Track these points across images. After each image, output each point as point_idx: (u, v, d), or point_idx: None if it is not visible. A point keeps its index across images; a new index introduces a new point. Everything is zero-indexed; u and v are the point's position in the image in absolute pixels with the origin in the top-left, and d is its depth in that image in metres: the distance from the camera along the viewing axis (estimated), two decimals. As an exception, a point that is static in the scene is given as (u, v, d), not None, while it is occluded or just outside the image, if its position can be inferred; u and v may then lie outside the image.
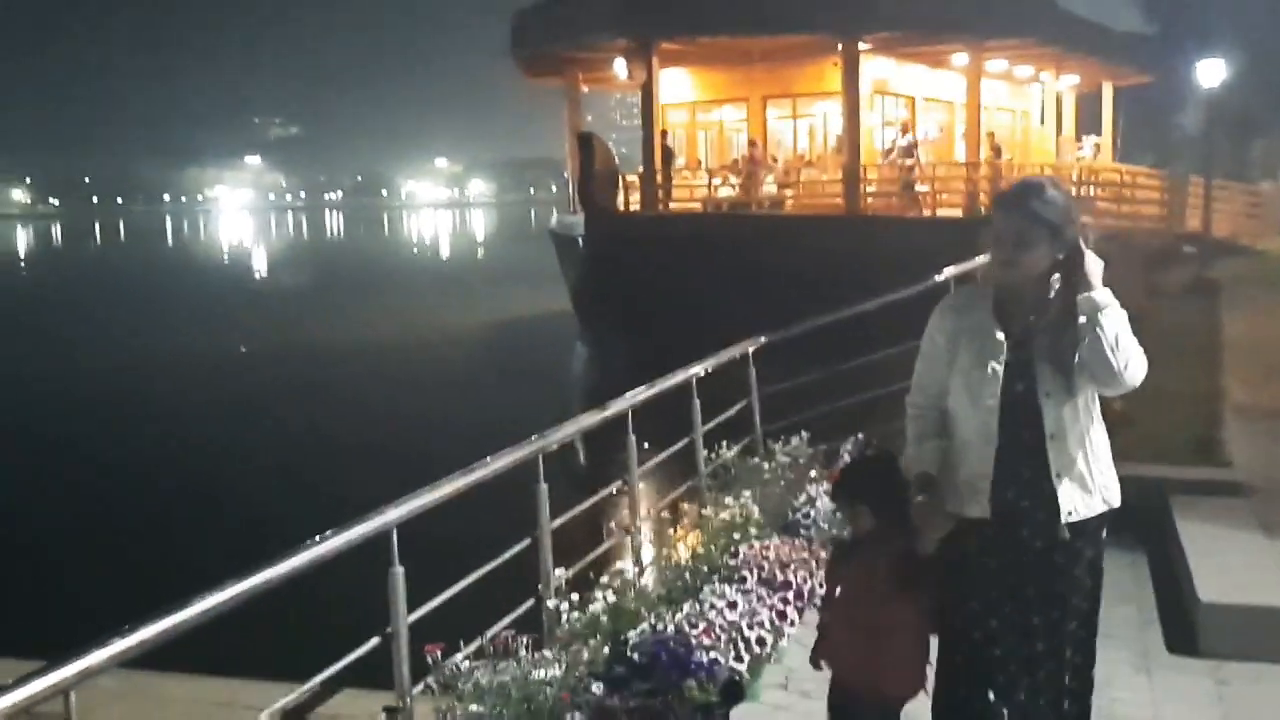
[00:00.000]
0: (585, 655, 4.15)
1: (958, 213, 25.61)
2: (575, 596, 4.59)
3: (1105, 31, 33.83)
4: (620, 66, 27.78)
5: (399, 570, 3.65)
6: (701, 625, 4.53)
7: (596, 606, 4.55)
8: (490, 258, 70.56)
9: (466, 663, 3.89)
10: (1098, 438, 3.30)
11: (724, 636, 4.52)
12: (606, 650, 4.30)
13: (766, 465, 6.56)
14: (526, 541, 4.60)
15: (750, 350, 7.25)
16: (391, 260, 72.25)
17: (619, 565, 4.89)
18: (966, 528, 3.28)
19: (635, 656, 4.27)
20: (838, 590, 3.54)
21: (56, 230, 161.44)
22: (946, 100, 31.87)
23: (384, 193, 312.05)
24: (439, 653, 3.82)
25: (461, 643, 4.00)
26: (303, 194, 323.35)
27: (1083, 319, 3.13)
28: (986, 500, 3.24)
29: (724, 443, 6.77)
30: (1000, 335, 3.24)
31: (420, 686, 3.78)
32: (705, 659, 4.30)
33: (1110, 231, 21.41)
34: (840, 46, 26.00)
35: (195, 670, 4.93)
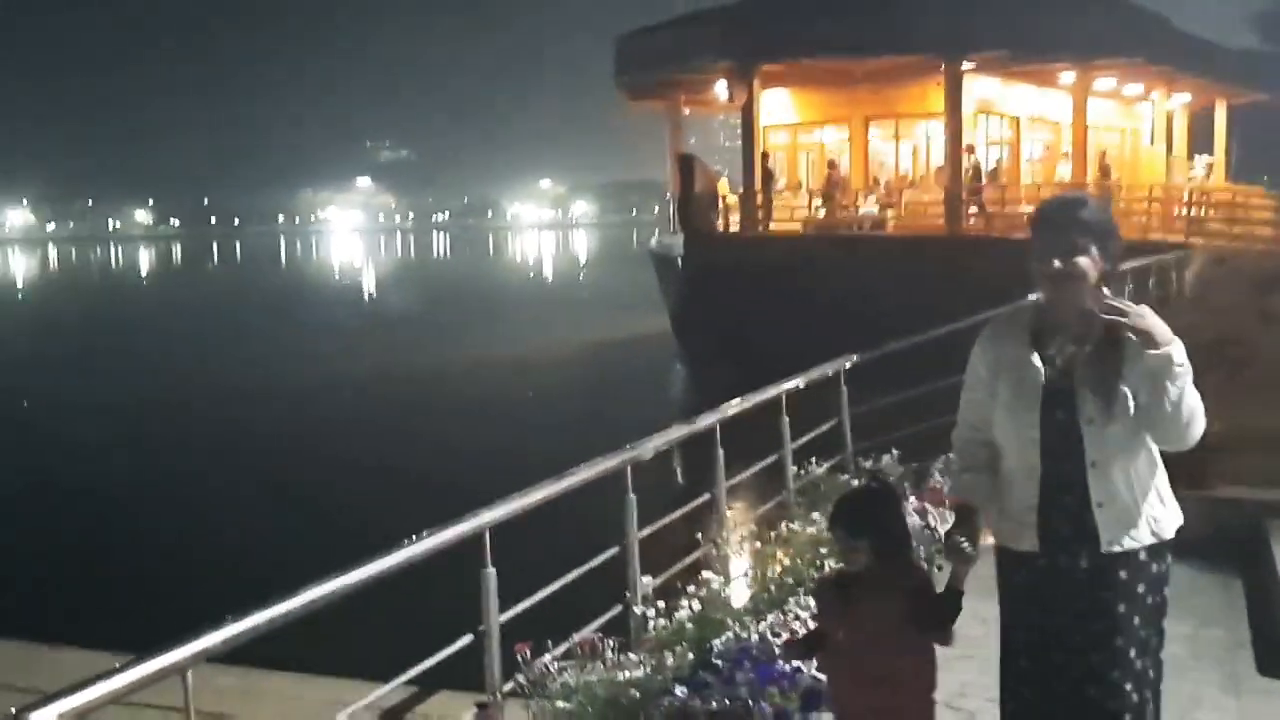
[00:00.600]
0: (670, 660, 4.29)
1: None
2: (661, 604, 4.74)
3: (1219, 49, 33.14)
4: (721, 89, 27.99)
5: (492, 571, 3.83)
6: (785, 635, 4.63)
7: (682, 614, 4.69)
8: (593, 279, 71.15)
9: (556, 663, 4.05)
10: (1146, 465, 3.15)
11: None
12: (691, 656, 4.43)
13: (856, 482, 6.64)
14: (615, 549, 4.76)
15: (843, 369, 7.34)
16: (496, 281, 73.33)
17: (705, 575, 5.01)
18: (1016, 560, 3.21)
19: (719, 663, 4.39)
20: (840, 635, 3.28)
21: (177, 250, 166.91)
22: (1053, 120, 31.46)
23: (490, 214, 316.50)
24: (528, 651, 3.99)
25: (550, 644, 4.15)
26: (411, 215, 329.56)
27: (1148, 377, 2.97)
28: (1034, 533, 3.15)
29: (813, 459, 6.85)
30: (1038, 362, 3.14)
31: (510, 684, 3.95)
32: (788, 667, 4.41)
33: (1221, 253, 20.98)
34: (944, 67, 25.88)
35: (300, 664, 5.20)
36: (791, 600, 5.05)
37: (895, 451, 7.05)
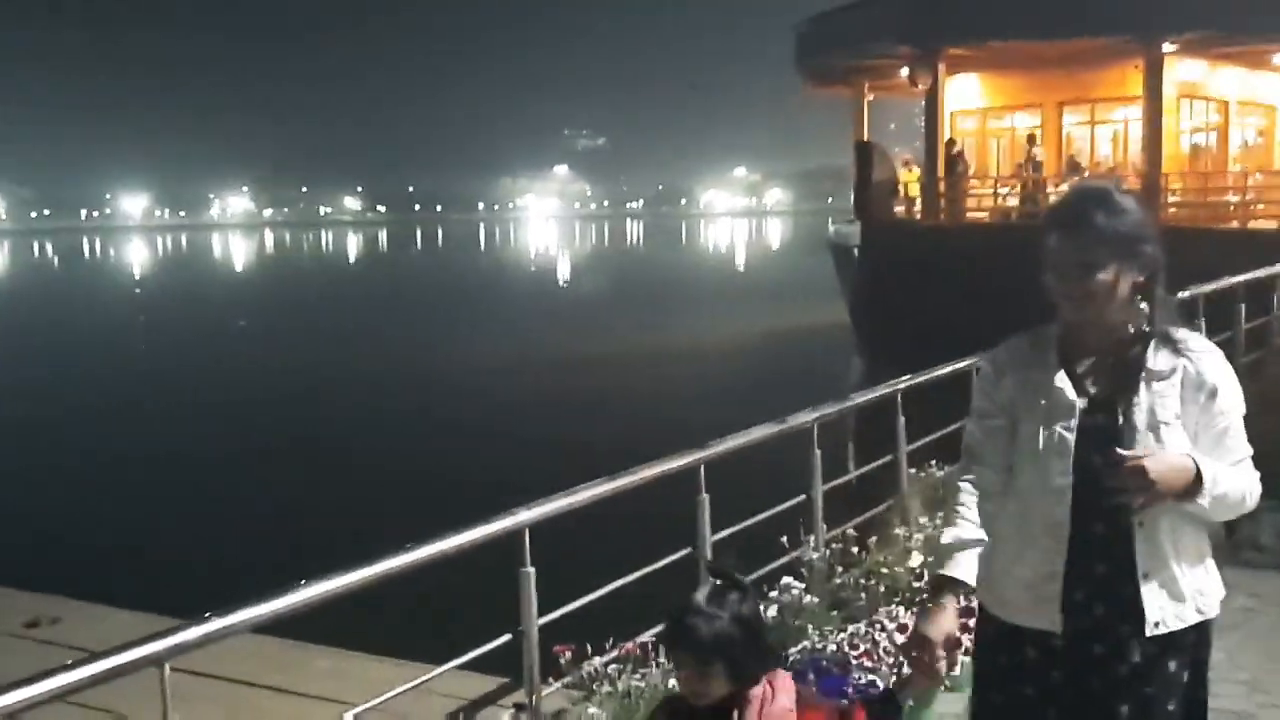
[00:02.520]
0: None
1: (1273, 224, 23.70)
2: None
3: None
4: (905, 74, 27.27)
5: (530, 570, 3.74)
6: (863, 647, 4.41)
7: (757, 621, 4.50)
8: (783, 267, 70.76)
9: (606, 666, 3.94)
10: (1194, 525, 2.53)
11: (890, 660, 4.38)
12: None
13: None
14: (686, 550, 4.60)
15: (976, 367, 6.94)
16: (687, 268, 73.72)
17: (786, 581, 4.80)
18: (1016, 637, 2.58)
19: (788, 674, 4.20)
20: None
21: (382, 236, 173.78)
22: (1267, 104, 29.51)
23: (683, 202, 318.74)
24: (568, 654, 3.90)
25: (597, 645, 4.04)
26: (605, 203, 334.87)
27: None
28: (1056, 608, 2.50)
29: (933, 461, 6.51)
30: (1071, 394, 2.52)
31: (554, 687, 3.86)
32: (862, 680, 4.18)
33: None
34: (1142, 49, 24.55)
35: (356, 645, 5.44)
36: (882, 611, 4.80)
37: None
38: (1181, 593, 2.49)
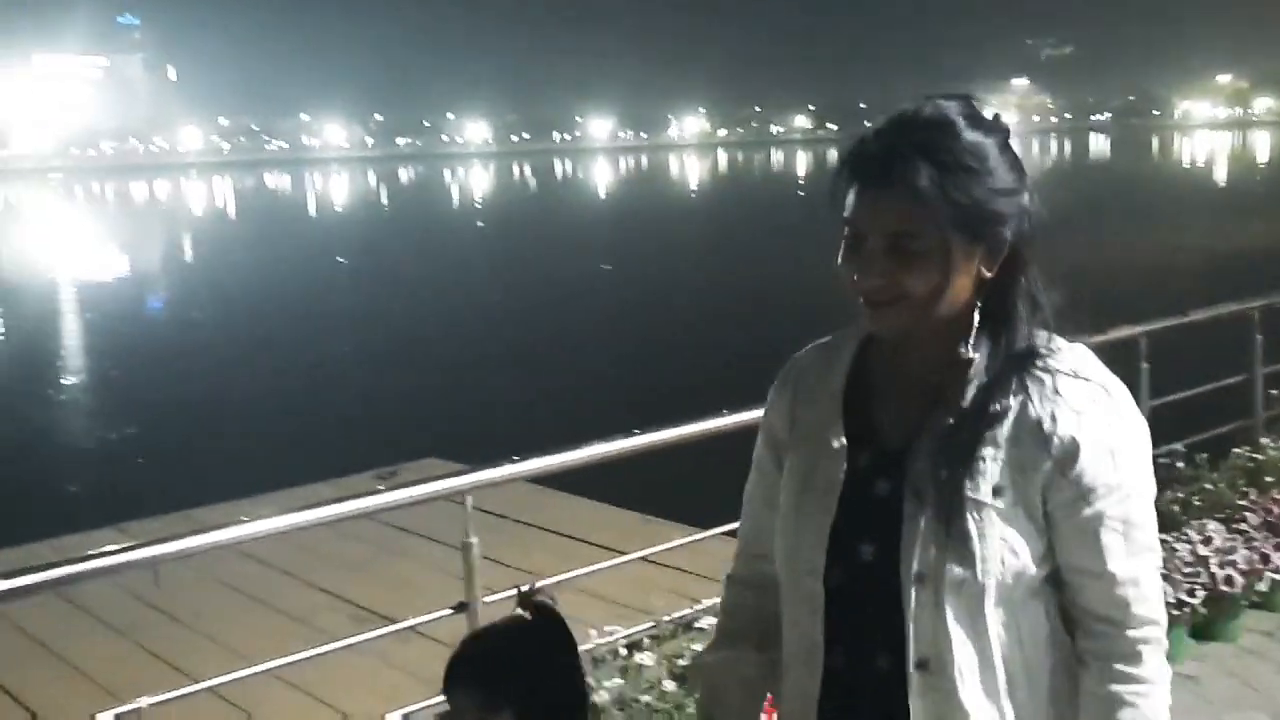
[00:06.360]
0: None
1: None
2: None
3: None
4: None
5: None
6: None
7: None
8: (1270, 182, 64.45)
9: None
10: (1039, 667, 1.51)
11: (1183, 570, 4.41)
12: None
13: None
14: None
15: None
16: (1155, 184, 68.99)
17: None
18: None
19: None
20: None
21: (831, 154, 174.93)
22: None
23: (1155, 113, 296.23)
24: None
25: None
26: (1067, 115, 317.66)
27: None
28: None
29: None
30: (838, 443, 1.55)
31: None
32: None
33: None
34: None
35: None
36: (1194, 524, 4.77)
37: None
38: None
